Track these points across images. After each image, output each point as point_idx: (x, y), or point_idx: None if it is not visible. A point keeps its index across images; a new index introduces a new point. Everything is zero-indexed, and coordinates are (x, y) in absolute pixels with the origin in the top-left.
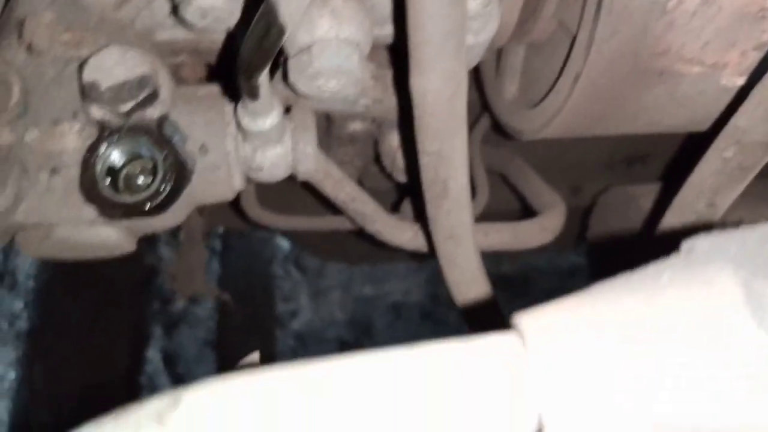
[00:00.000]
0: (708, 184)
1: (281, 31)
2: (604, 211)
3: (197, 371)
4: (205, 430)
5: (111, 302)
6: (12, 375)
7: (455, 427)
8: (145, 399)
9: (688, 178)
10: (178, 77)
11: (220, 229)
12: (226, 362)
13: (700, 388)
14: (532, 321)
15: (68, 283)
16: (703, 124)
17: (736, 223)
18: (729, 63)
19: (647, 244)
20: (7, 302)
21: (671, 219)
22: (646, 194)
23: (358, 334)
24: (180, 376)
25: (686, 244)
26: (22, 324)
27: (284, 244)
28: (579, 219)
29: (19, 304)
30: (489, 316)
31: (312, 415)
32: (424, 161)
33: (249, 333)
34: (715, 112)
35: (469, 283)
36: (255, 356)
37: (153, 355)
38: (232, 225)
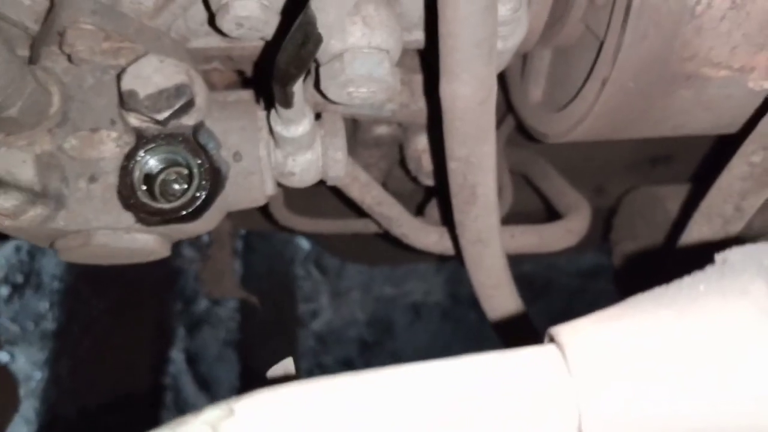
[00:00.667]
0: (735, 189)
1: (318, 41)
2: (628, 212)
3: (219, 371)
4: None
5: (135, 303)
6: (38, 375)
7: None
8: (199, 410)
9: (714, 182)
10: (207, 83)
11: (242, 231)
12: (248, 362)
13: (734, 396)
14: (571, 334)
15: (93, 284)
16: (730, 128)
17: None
18: (756, 67)
19: (674, 248)
20: (33, 303)
21: (698, 222)
22: (672, 196)
23: (379, 334)
24: (203, 376)
25: (720, 256)
26: (48, 324)
27: (305, 245)
28: (602, 219)
29: (44, 305)
30: (516, 321)
31: (360, 426)
32: (453, 166)
33: (270, 333)
34: (741, 115)
35: (495, 286)
36: (287, 362)
37: (176, 355)
38: (256, 227)
